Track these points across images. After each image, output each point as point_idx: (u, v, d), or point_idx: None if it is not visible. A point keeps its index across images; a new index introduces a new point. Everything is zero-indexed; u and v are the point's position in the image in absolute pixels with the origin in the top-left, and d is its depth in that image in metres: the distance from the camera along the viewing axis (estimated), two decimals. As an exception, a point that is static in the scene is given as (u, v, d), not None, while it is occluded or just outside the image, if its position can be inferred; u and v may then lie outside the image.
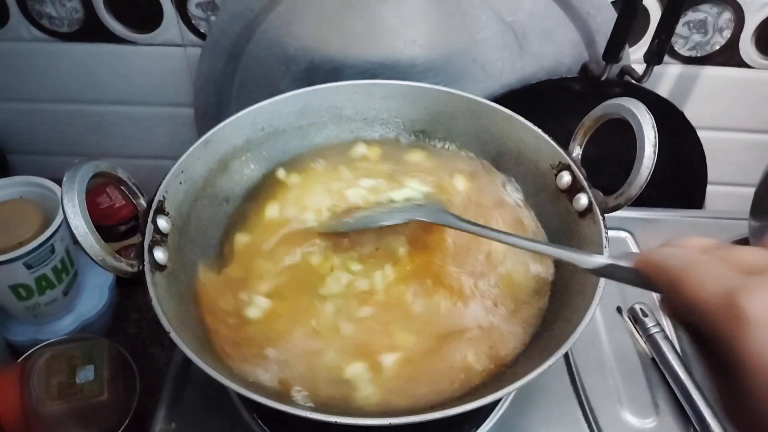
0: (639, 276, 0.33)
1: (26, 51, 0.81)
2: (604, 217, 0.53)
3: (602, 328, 0.65)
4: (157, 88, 0.84)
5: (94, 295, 0.78)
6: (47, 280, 0.70)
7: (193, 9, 0.76)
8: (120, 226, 0.82)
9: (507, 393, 0.43)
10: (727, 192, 0.93)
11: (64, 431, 0.64)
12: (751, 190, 0.71)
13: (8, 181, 0.71)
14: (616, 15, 0.72)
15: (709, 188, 0.86)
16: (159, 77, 0.83)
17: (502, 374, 0.49)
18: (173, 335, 0.43)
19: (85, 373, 0.66)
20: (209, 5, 0.76)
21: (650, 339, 0.63)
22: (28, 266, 0.67)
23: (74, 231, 0.44)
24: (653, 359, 0.62)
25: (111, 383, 0.66)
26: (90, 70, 0.83)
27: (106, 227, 0.81)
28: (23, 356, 0.67)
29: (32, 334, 0.73)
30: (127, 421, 0.64)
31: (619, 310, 0.67)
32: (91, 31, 0.79)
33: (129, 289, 0.82)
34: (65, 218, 0.44)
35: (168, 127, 0.89)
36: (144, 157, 0.91)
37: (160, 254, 0.50)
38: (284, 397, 0.47)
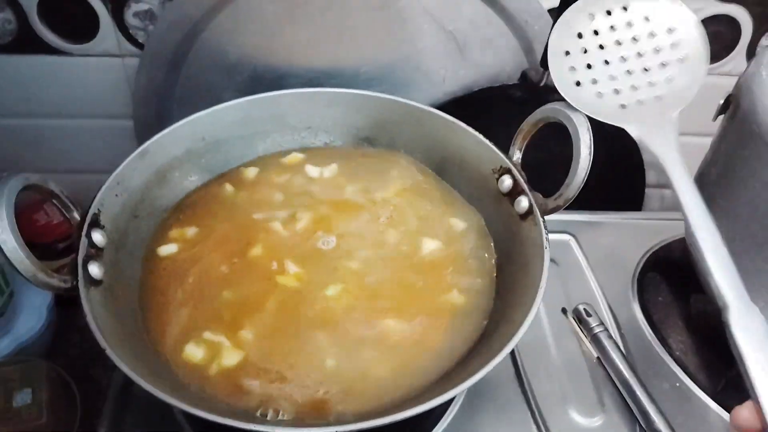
0: None
1: (-43, 64, 0.79)
2: (544, 218, 0.54)
3: (548, 330, 0.66)
4: (96, 100, 0.82)
5: (32, 316, 0.75)
6: (-20, 301, 0.67)
7: (130, 18, 0.75)
8: (58, 243, 0.80)
9: (456, 394, 0.43)
10: (665, 194, 0.96)
11: (1, 458, 0.61)
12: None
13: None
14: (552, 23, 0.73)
15: (648, 190, 0.89)
16: (97, 89, 0.81)
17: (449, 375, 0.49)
18: (109, 352, 0.42)
19: (23, 397, 0.64)
20: (147, 14, 0.75)
21: (594, 338, 0.64)
22: (-41, 287, 0.64)
23: (2, 246, 0.43)
24: (598, 358, 0.63)
25: (50, 406, 0.64)
26: (25, 83, 0.81)
27: (43, 245, 0.79)
28: (-44, 381, 0.64)
29: (-34, 357, 0.70)
30: (68, 444, 0.62)
31: (564, 311, 0.68)
32: (25, 42, 0.77)
33: (70, 309, 0.79)
34: (-8, 233, 0.43)
35: (108, 140, 0.87)
36: (84, 172, 0.89)
37: (95, 269, 0.48)
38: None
